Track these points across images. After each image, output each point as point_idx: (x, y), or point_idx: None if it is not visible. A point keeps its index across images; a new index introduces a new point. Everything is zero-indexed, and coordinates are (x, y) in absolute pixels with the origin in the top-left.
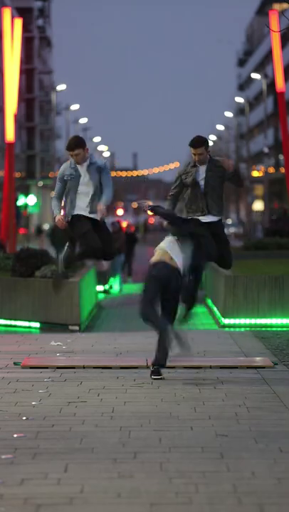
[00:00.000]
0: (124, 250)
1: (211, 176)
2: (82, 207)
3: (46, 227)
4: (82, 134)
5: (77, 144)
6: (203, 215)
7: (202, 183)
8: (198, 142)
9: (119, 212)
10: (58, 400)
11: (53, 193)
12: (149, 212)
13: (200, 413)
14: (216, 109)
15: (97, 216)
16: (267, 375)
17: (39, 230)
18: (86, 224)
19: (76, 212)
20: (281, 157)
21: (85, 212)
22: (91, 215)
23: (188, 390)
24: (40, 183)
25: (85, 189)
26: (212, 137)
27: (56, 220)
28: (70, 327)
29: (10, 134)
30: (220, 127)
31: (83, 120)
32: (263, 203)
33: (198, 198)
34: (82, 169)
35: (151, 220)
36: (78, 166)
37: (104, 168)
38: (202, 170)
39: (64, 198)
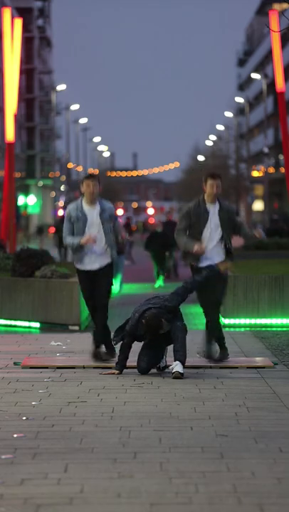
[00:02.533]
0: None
1: (224, 223)
2: (90, 258)
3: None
4: (82, 134)
5: (95, 176)
6: (202, 260)
7: (218, 229)
8: (217, 174)
9: (119, 212)
10: (58, 400)
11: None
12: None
13: (200, 413)
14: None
15: (102, 264)
16: (267, 375)
17: (40, 230)
18: (88, 283)
19: (81, 266)
20: (281, 157)
21: (90, 263)
22: (95, 266)
23: (188, 390)
24: (40, 183)
25: (96, 235)
26: (212, 137)
27: (85, 239)
28: (70, 327)
29: (10, 134)
30: (220, 127)
31: (83, 120)
32: (263, 203)
33: (212, 241)
34: (91, 213)
35: (152, 220)
36: (86, 209)
37: (113, 213)
38: (214, 214)
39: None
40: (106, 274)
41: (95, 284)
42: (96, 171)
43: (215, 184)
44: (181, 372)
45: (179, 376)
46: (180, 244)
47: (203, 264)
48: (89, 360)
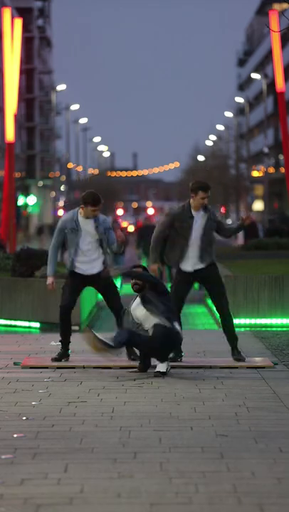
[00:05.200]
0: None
1: (208, 231)
2: (84, 265)
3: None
4: (82, 134)
5: (100, 199)
6: (194, 263)
7: (199, 236)
8: (208, 186)
9: (119, 212)
10: (58, 400)
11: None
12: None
13: (200, 413)
14: (216, 109)
15: (97, 270)
16: (267, 375)
17: (39, 231)
18: (77, 285)
19: (76, 269)
20: (281, 157)
21: (85, 270)
22: (91, 272)
23: (188, 390)
24: (40, 183)
25: (90, 246)
26: (212, 137)
27: (48, 282)
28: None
29: (10, 134)
30: (220, 127)
31: (83, 120)
32: (263, 203)
33: (191, 248)
34: (87, 225)
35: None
36: (82, 221)
37: (108, 225)
38: (199, 220)
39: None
40: (105, 276)
41: (98, 289)
42: (96, 171)
43: (206, 196)
44: (162, 371)
45: (158, 375)
46: (150, 256)
47: (184, 268)
48: (86, 359)
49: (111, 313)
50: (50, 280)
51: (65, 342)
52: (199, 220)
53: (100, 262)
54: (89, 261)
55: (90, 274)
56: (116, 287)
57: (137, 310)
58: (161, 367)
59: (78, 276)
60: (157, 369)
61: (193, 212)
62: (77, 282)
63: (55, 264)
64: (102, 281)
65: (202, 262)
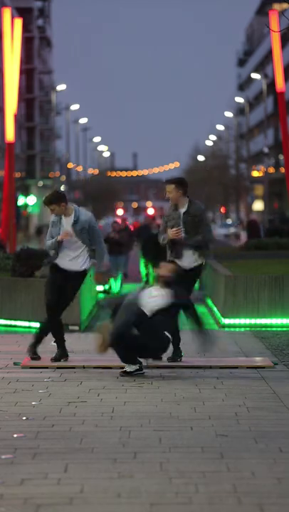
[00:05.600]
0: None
1: (188, 222)
2: (64, 260)
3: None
4: (82, 134)
5: (52, 200)
6: (180, 260)
7: (182, 229)
8: (168, 180)
9: (119, 212)
10: (58, 400)
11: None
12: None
13: (200, 413)
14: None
15: (75, 269)
16: (267, 375)
17: (39, 231)
18: (56, 279)
19: (56, 262)
20: (281, 157)
21: (64, 265)
22: (69, 268)
23: (188, 390)
24: (40, 183)
25: (69, 244)
26: (212, 137)
27: (63, 236)
28: (70, 327)
29: (10, 134)
30: (220, 127)
31: (83, 120)
32: (263, 203)
33: (177, 244)
34: (66, 223)
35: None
36: (63, 217)
37: (90, 225)
38: (180, 216)
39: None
40: (74, 279)
41: (64, 285)
42: (96, 171)
43: (166, 190)
44: (129, 370)
45: (122, 375)
46: (162, 243)
47: (181, 264)
48: (86, 359)
49: (111, 313)
50: (64, 233)
51: (60, 340)
52: (181, 215)
53: (80, 261)
54: (68, 257)
55: (69, 269)
56: (74, 292)
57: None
58: (129, 367)
59: (58, 271)
60: (124, 369)
61: (179, 210)
62: (57, 278)
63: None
64: (72, 281)
65: (194, 261)
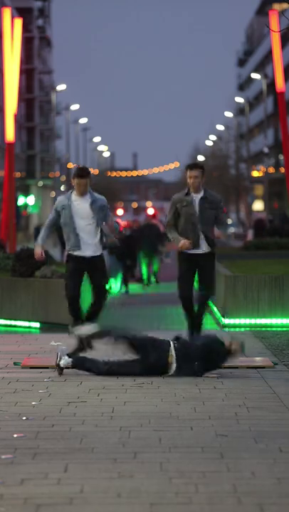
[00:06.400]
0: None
1: (205, 209)
2: (88, 249)
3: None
4: (82, 134)
5: (88, 172)
6: (194, 247)
7: (197, 214)
8: (195, 165)
9: (119, 212)
10: (58, 400)
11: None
12: None
13: (200, 413)
14: (216, 109)
15: (95, 252)
16: (267, 375)
17: (37, 232)
18: (78, 269)
19: (73, 252)
20: (281, 157)
21: (82, 252)
22: (89, 254)
23: (188, 390)
24: (40, 183)
25: (85, 224)
26: (212, 137)
27: (35, 251)
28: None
29: (10, 134)
30: (220, 127)
31: (83, 120)
32: (263, 203)
33: (190, 230)
34: (81, 203)
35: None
36: (75, 199)
37: (106, 205)
38: (196, 200)
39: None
40: (99, 265)
41: (89, 273)
42: (96, 171)
43: (192, 175)
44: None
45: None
46: (170, 239)
47: (190, 251)
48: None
49: (111, 314)
50: (37, 249)
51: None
52: (197, 200)
53: (96, 245)
54: (85, 242)
55: (87, 256)
56: (106, 275)
57: None
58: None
59: (75, 259)
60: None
61: (193, 194)
62: (75, 266)
63: (46, 236)
64: (97, 266)
65: (200, 248)
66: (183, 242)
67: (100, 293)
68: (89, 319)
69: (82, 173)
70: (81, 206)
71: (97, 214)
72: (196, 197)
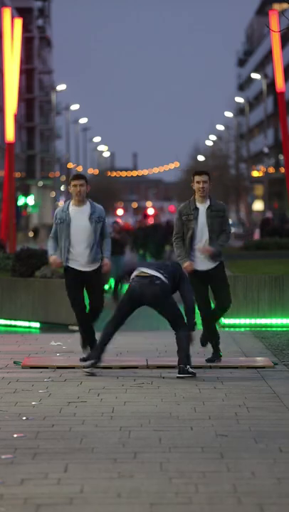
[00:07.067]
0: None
1: (211, 220)
2: (76, 257)
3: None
4: (82, 134)
5: (83, 176)
6: (197, 262)
7: (205, 228)
8: (203, 171)
9: (119, 212)
10: (58, 400)
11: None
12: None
13: (200, 413)
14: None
15: (91, 267)
16: (267, 375)
17: (35, 233)
18: (76, 282)
19: (70, 264)
20: (281, 157)
21: (79, 265)
22: (85, 268)
23: (188, 390)
24: (40, 183)
25: (83, 237)
26: (212, 137)
27: (51, 260)
28: (70, 327)
29: (10, 134)
30: (220, 127)
31: (83, 120)
32: (263, 203)
33: (201, 241)
34: (79, 215)
35: (151, 220)
36: (73, 210)
37: (104, 218)
38: (202, 212)
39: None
40: (97, 276)
41: (87, 286)
42: (96, 171)
43: (201, 180)
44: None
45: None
46: (177, 255)
47: (195, 267)
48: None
49: (111, 314)
50: (52, 259)
51: (89, 343)
52: (204, 211)
53: (94, 257)
54: (82, 255)
55: (84, 270)
56: (103, 288)
57: None
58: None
59: (73, 272)
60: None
61: (198, 205)
62: (73, 278)
63: (55, 248)
64: (94, 280)
65: (209, 261)
66: (188, 264)
67: (97, 310)
68: (89, 321)
69: (79, 175)
70: (78, 218)
71: (96, 226)
72: (202, 208)
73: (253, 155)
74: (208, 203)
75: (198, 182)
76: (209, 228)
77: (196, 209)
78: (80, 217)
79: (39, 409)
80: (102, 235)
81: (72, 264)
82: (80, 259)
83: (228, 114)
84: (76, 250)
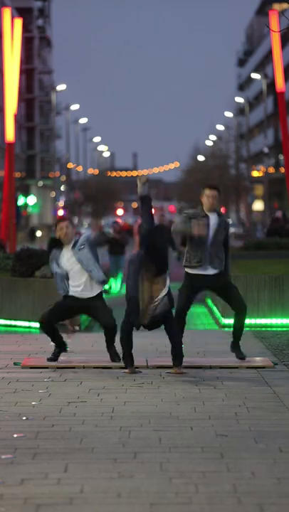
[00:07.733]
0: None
1: (219, 230)
2: (75, 288)
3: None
4: (82, 134)
5: (65, 218)
6: (203, 267)
7: (211, 234)
8: (215, 186)
9: (119, 212)
10: (58, 400)
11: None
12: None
13: (200, 413)
14: (216, 109)
15: (92, 293)
16: (267, 375)
17: (32, 234)
18: (69, 307)
19: (70, 293)
20: (281, 157)
21: (77, 293)
22: (83, 295)
23: (188, 390)
24: (40, 183)
25: (75, 269)
26: (212, 137)
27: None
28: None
29: (10, 134)
30: (220, 127)
31: (83, 120)
32: (263, 203)
33: (201, 250)
34: (68, 258)
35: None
36: (64, 254)
37: (89, 241)
38: (212, 220)
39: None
40: (99, 301)
41: (91, 310)
42: (96, 171)
43: (211, 195)
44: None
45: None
46: (177, 229)
47: (198, 271)
48: (86, 359)
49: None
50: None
51: (56, 341)
52: (214, 219)
53: (90, 285)
54: (79, 285)
55: (83, 297)
56: (106, 306)
57: None
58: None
59: (71, 298)
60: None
61: (209, 214)
62: (68, 303)
63: (63, 285)
64: (97, 302)
65: (213, 268)
66: (197, 226)
67: (110, 329)
68: (108, 342)
69: (61, 217)
70: (66, 256)
71: (78, 254)
72: (212, 217)
73: (253, 155)
74: (216, 214)
75: (207, 196)
76: (214, 234)
77: (207, 216)
78: (66, 254)
79: (39, 409)
80: (98, 245)
81: (72, 293)
82: (79, 290)
83: (228, 114)
84: (74, 283)
